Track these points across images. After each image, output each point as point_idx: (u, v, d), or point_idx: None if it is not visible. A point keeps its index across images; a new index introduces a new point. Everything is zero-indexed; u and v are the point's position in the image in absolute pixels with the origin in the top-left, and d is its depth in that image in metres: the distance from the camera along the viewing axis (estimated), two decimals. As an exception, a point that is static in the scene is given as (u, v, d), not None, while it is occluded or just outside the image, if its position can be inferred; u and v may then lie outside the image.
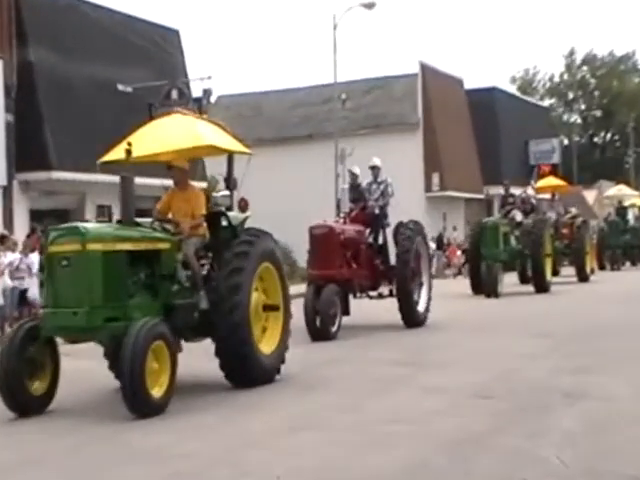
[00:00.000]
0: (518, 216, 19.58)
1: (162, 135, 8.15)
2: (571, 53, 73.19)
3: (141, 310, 7.43)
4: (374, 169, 13.32)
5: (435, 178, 37.86)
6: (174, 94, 25.91)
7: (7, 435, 6.73)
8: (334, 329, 11.46)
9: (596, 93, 72.51)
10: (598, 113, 70.49)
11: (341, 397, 7.61)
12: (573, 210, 24.54)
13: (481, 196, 40.26)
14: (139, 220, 8.05)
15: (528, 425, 6.21)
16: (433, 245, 33.81)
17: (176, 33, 30.64)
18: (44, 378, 7.40)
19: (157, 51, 28.75)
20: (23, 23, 23.69)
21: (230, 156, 8.91)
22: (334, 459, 5.49)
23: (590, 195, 49.81)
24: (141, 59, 27.27)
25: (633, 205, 37.13)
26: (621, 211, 33.69)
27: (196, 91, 26.93)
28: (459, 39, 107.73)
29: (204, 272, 8.19)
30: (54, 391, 7.54)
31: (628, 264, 32.57)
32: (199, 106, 25.01)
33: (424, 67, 37.92)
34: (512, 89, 62.74)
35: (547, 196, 23.95)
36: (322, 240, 11.64)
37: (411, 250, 12.30)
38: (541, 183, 25.12)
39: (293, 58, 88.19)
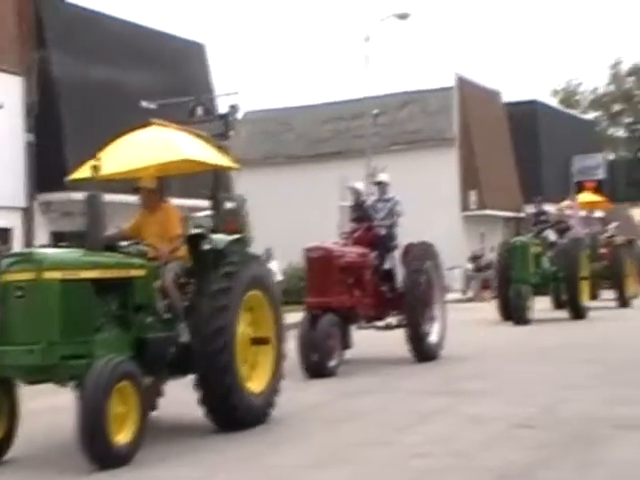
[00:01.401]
0: (551, 235, 18.46)
1: (136, 149, 7.43)
2: (617, 63, 71.63)
3: (108, 346, 6.68)
4: (380, 185, 12.14)
5: (472, 196, 36.90)
6: (199, 110, 25.38)
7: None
8: (332, 364, 10.44)
9: (643, 106, 70.84)
10: (645, 126, 68.89)
11: (372, 430, 7.26)
12: (611, 228, 23.27)
13: (521, 215, 39.06)
14: (123, 243, 7.33)
15: (576, 457, 6.03)
16: (470, 266, 32.93)
17: (201, 47, 30.21)
18: (-3, 424, 6.68)
19: (182, 66, 28.32)
20: (45, 38, 23.43)
21: (217, 172, 8.11)
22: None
23: (638, 213, 48.15)
24: (166, 74, 26.85)
25: None
26: None
27: (222, 107, 26.36)
28: (496, 50, 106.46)
29: (186, 302, 7.41)
30: (10, 439, 6.82)
31: None
32: (225, 122, 24.54)
33: (460, 80, 37.10)
34: (553, 102, 61.47)
35: (583, 213, 22.67)
36: (319, 264, 10.68)
37: (421, 274, 11.30)
38: (578, 199, 23.88)
39: (323, 72, 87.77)
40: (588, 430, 6.85)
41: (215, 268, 7.33)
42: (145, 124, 7.84)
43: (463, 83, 37.25)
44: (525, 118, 42.12)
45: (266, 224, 31.52)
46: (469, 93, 37.29)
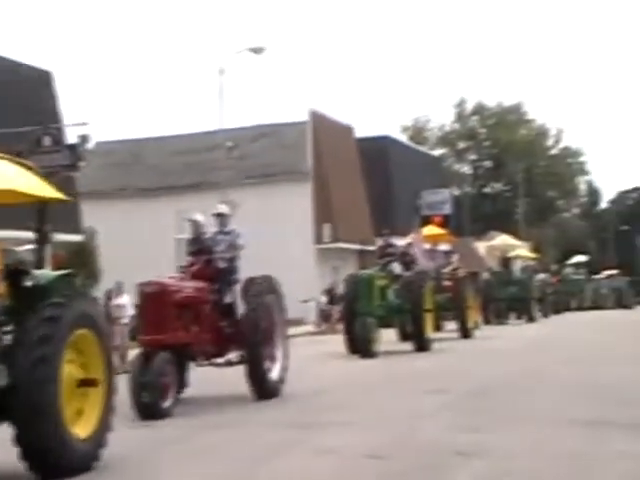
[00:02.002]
0: (397, 268, 18.54)
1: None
2: (461, 103, 74.93)
3: None
4: (221, 217, 11.66)
5: (326, 229, 37.23)
6: (46, 140, 24.42)
7: None
8: (167, 404, 9.87)
9: (486, 143, 74.32)
10: (488, 163, 72.17)
11: (221, 467, 7.07)
12: (454, 261, 23.91)
13: (372, 248, 39.82)
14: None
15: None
16: (324, 299, 33.12)
17: (49, 75, 29.10)
18: None
19: (29, 94, 27.13)
20: None
21: (42, 204, 7.56)
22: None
23: (482, 246, 50.21)
24: (11, 102, 25.63)
25: (518, 256, 37.17)
26: (506, 262, 33.37)
27: (72, 137, 25.50)
28: (349, 87, 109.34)
29: (5, 342, 6.82)
30: None
31: (514, 317, 32.26)
32: (75, 153, 23.59)
33: (314, 114, 37.52)
34: (403, 138, 63.44)
35: (428, 246, 23.09)
36: (153, 300, 10.13)
37: (260, 309, 10.91)
38: (422, 233, 24.25)
39: (177, 104, 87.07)
40: (434, 458, 6.93)
41: (37, 308, 6.80)
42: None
43: (317, 118, 37.71)
44: (377, 153, 43.15)
45: (118, 257, 30.56)
46: (323, 128, 37.77)
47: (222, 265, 11.21)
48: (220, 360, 11.12)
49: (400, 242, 20.07)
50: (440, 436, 7.84)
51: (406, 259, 19.32)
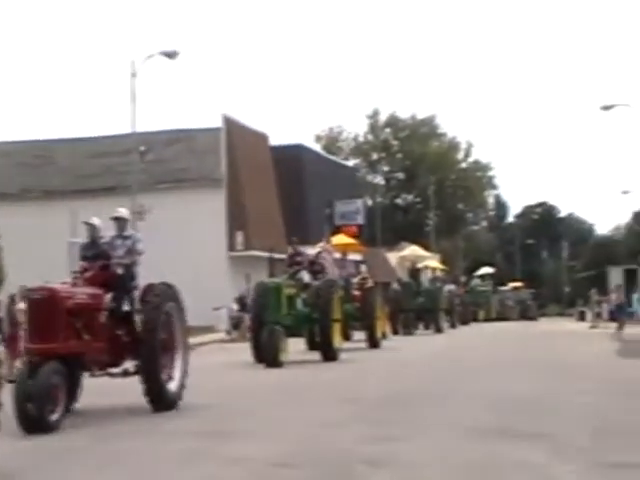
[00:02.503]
0: (306, 277, 18.33)
1: None
2: (374, 114, 75.87)
3: None
4: (119, 221, 11.13)
5: (239, 237, 37.08)
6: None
7: None
8: (54, 417, 9.20)
9: (399, 155, 75.46)
10: (401, 175, 73.33)
11: (127, 477, 6.88)
12: (364, 271, 24.10)
13: (285, 256, 39.86)
14: None
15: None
16: (235, 306, 32.94)
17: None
18: None
19: None
20: None
21: None
22: None
23: (393, 257, 51.06)
24: None
25: (427, 267, 37.87)
26: (415, 273, 34.05)
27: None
28: (263, 95, 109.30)
29: None
30: None
31: (422, 327, 32.66)
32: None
33: (228, 121, 37.32)
34: (317, 147, 63.82)
35: (337, 255, 23.13)
36: (41, 307, 9.50)
37: (158, 318, 10.44)
38: (332, 242, 24.21)
39: (89, 106, 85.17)
40: (342, 467, 6.97)
41: None
42: None
43: (231, 124, 37.51)
44: (291, 162, 43.21)
45: (23, 261, 29.66)
46: (237, 134, 37.61)
47: (120, 271, 10.69)
48: (116, 370, 10.50)
49: (310, 251, 20.07)
50: (348, 445, 7.87)
51: (315, 268, 19.17)
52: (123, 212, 11.36)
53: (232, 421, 9.58)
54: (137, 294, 10.75)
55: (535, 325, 44.23)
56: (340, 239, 25.73)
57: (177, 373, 10.89)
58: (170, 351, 10.87)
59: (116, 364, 10.56)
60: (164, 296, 10.69)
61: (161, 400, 10.54)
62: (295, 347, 18.32)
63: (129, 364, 10.61)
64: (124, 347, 10.56)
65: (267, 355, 16.41)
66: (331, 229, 40.54)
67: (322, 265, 19.76)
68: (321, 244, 22.08)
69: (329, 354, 17.57)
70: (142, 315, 10.48)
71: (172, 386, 10.76)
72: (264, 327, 16.73)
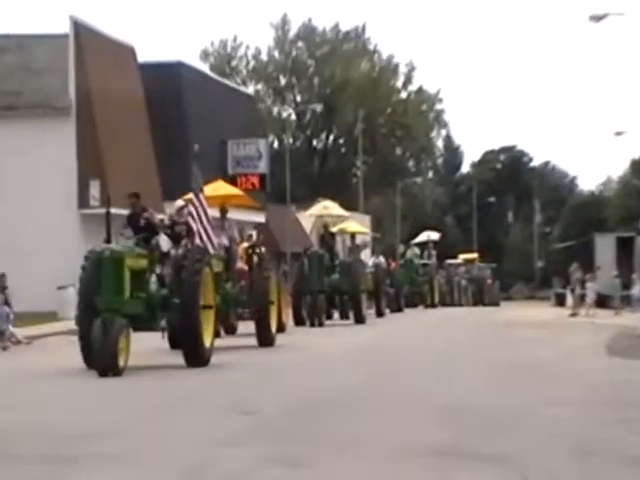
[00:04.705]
0: (163, 244, 16.81)
1: None
2: (283, 23, 75.65)
3: None
4: None
5: (94, 189, 36.60)
6: None
7: None
8: None
9: (315, 80, 75.61)
10: (318, 107, 73.49)
11: None
12: (253, 235, 23.44)
13: (163, 216, 39.55)
14: None
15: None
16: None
17: None
18: None
19: None
20: None
21: None
22: None
23: (307, 217, 50.39)
24: None
25: (344, 231, 36.50)
26: (327, 240, 31.67)
27: None
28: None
29: None
30: None
31: (336, 316, 31.75)
32: None
33: (79, 26, 36.73)
34: (204, 68, 63.41)
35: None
36: None
37: None
38: (206, 192, 21.41)
39: None
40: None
41: None
42: None
43: (83, 31, 36.86)
44: (167, 86, 42.83)
45: None
46: (91, 45, 36.98)
47: None
48: None
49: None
50: (246, 470, 7.97)
51: (176, 230, 18.04)
52: None
53: (89, 442, 9.51)
54: None
55: (496, 312, 45.21)
56: (218, 188, 23.34)
57: None
58: None
59: None
60: None
61: None
62: (149, 345, 17.98)
63: None
64: None
65: (99, 358, 15.34)
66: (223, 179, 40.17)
67: (187, 226, 18.56)
68: (187, 196, 19.92)
69: (195, 356, 16.65)
70: None
71: None
72: (96, 318, 15.48)
